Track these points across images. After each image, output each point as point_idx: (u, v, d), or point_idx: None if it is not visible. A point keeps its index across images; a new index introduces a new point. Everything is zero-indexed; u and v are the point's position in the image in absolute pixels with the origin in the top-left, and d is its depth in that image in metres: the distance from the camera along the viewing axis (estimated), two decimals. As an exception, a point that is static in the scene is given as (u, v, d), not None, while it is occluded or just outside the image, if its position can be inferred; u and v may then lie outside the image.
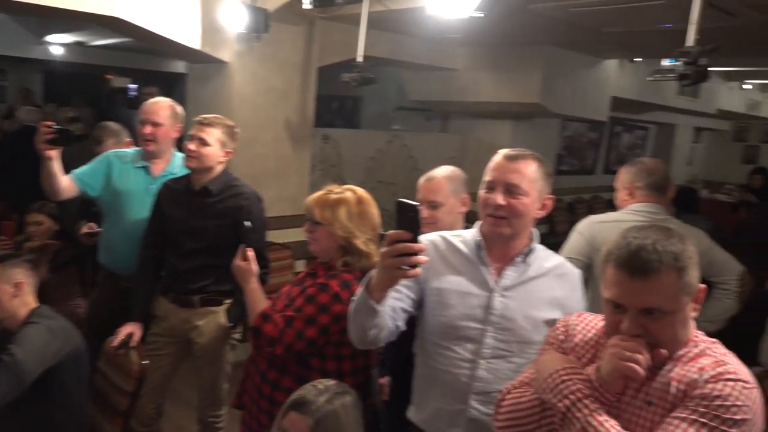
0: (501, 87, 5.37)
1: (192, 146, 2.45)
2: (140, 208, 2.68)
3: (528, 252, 1.67)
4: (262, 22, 3.67)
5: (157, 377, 2.57)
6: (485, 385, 1.63)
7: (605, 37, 4.34)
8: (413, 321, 1.74)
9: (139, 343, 2.46)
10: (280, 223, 4.16)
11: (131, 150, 2.91)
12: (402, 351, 1.95)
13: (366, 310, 1.48)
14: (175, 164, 2.80)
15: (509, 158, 1.63)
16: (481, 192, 1.66)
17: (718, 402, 1.10)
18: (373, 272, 1.46)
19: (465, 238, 1.72)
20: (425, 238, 1.65)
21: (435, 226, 2.12)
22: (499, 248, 1.66)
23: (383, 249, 1.37)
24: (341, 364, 1.88)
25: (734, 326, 3.11)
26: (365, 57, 3.87)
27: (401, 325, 1.63)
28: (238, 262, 2.06)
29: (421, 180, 2.29)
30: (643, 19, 3.66)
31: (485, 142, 6.14)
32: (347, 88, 4.19)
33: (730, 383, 1.12)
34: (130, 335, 2.45)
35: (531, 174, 1.62)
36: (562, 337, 1.38)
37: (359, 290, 1.51)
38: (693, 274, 1.19)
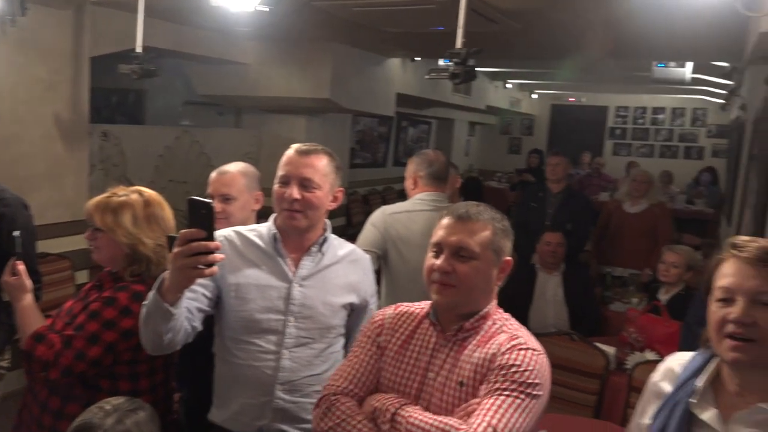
0: (293, 82, 5.40)
1: None
2: None
3: (322, 242, 1.74)
4: (17, 3, 3.21)
5: None
6: (290, 374, 1.66)
7: (387, 37, 4.60)
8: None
9: None
10: (56, 230, 3.72)
11: None
12: (190, 357, 1.89)
13: (160, 314, 1.41)
14: None
15: (301, 153, 1.68)
16: (276, 186, 1.68)
17: (513, 369, 1.26)
18: (165, 274, 1.40)
19: (260, 231, 1.74)
20: (219, 235, 1.62)
21: (228, 221, 2.08)
22: (294, 240, 1.71)
23: (176, 249, 1.32)
24: (137, 384, 1.75)
25: (508, 296, 3.51)
26: (146, 47, 3.61)
27: (198, 325, 1.60)
28: (6, 278, 1.80)
29: (213, 174, 2.23)
30: (418, 21, 3.95)
31: (281, 137, 6.12)
32: (128, 81, 3.87)
33: (522, 352, 1.29)
34: None
35: (323, 168, 1.68)
36: (378, 330, 1.45)
37: (151, 293, 1.43)
38: (505, 243, 1.39)
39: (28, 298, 1.79)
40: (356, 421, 1.32)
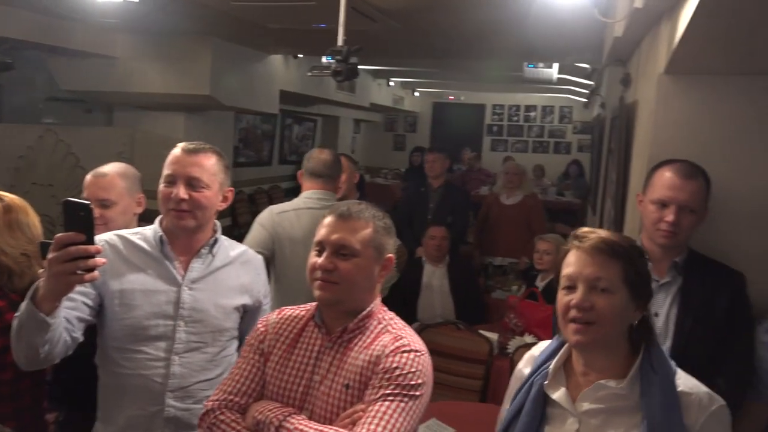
0: (169, 78, 5.14)
1: None
2: None
3: (213, 243, 1.70)
4: None
5: None
6: (181, 380, 1.61)
7: (268, 33, 4.51)
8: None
9: None
10: None
11: None
12: (64, 373, 1.78)
13: (35, 325, 1.32)
14: None
15: (188, 152, 1.64)
16: (162, 186, 1.63)
17: (397, 372, 1.28)
18: (40, 282, 1.30)
19: (145, 234, 1.67)
20: (99, 239, 1.53)
21: (107, 227, 1.96)
22: (183, 242, 1.66)
23: (51, 254, 1.24)
24: None
25: (398, 291, 3.59)
26: (-2, 38, 3.29)
27: (78, 336, 1.51)
28: None
29: (89, 176, 2.09)
30: (300, 18, 3.91)
31: (157, 136, 5.83)
32: (-22, 75, 3.50)
33: (405, 354, 1.31)
34: None
35: (211, 167, 1.65)
36: (261, 337, 1.42)
37: (24, 304, 1.33)
38: (387, 241, 1.40)
39: None
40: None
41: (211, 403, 1.36)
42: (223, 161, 1.71)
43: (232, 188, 1.74)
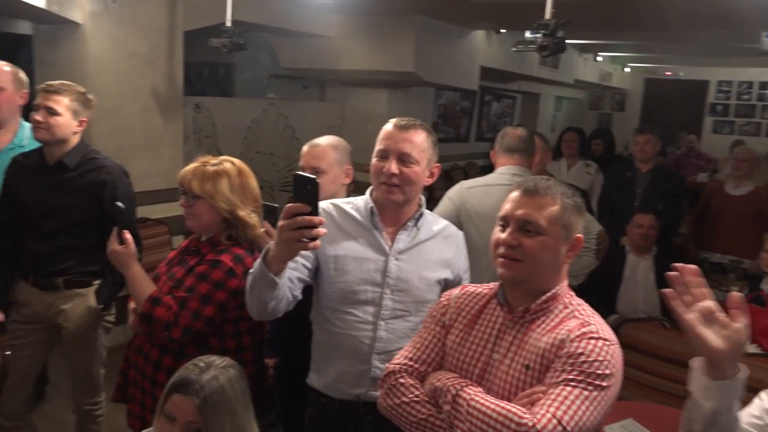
0: (375, 55, 5.38)
1: (39, 116, 2.23)
2: (-17, 187, 2.40)
3: (418, 217, 1.75)
4: (119, -20, 3.37)
5: (23, 368, 2.37)
6: (386, 344, 1.69)
7: (472, 8, 4.48)
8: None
9: (-3, 333, 2.24)
10: (153, 197, 3.92)
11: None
12: (280, 324, 1.97)
13: (265, 283, 1.48)
14: (23, 136, 2.53)
15: (400, 128, 1.68)
16: (374, 160, 1.70)
17: (582, 359, 1.20)
18: (271, 245, 1.45)
19: (357, 205, 1.76)
20: None
21: None
22: (391, 214, 1.72)
23: (282, 222, 1.37)
24: (241, 340, 1.87)
25: (595, 279, 3.39)
26: (234, 21, 3.70)
27: (298, 294, 1.65)
28: (115, 246, 1.89)
29: (305, 147, 2.27)
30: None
31: (363, 111, 6.16)
32: (218, 55, 3.99)
33: (593, 341, 1.22)
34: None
35: (421, 143, 1.68)
36: (443, 310, 1.44)
37: (257, 263, 1.50)
38: (574, 219, 1.32)
39: (136, 266, 1.88)
40: (418, 401, 1.32)
41: (392, 365, 1.40)
42: (432, 137, 1.73)
43: (438, 164, 1.76)
